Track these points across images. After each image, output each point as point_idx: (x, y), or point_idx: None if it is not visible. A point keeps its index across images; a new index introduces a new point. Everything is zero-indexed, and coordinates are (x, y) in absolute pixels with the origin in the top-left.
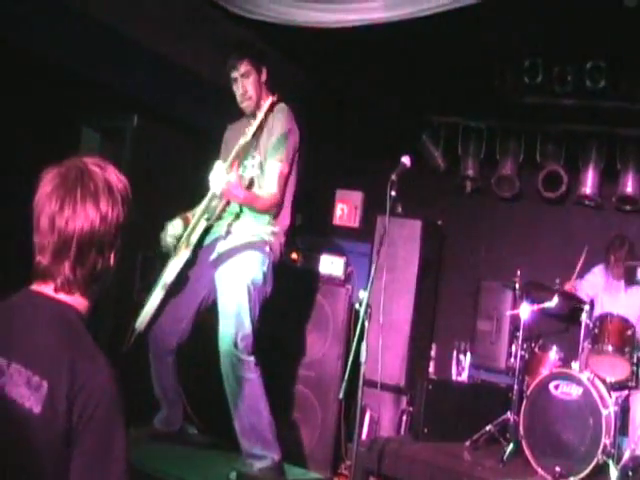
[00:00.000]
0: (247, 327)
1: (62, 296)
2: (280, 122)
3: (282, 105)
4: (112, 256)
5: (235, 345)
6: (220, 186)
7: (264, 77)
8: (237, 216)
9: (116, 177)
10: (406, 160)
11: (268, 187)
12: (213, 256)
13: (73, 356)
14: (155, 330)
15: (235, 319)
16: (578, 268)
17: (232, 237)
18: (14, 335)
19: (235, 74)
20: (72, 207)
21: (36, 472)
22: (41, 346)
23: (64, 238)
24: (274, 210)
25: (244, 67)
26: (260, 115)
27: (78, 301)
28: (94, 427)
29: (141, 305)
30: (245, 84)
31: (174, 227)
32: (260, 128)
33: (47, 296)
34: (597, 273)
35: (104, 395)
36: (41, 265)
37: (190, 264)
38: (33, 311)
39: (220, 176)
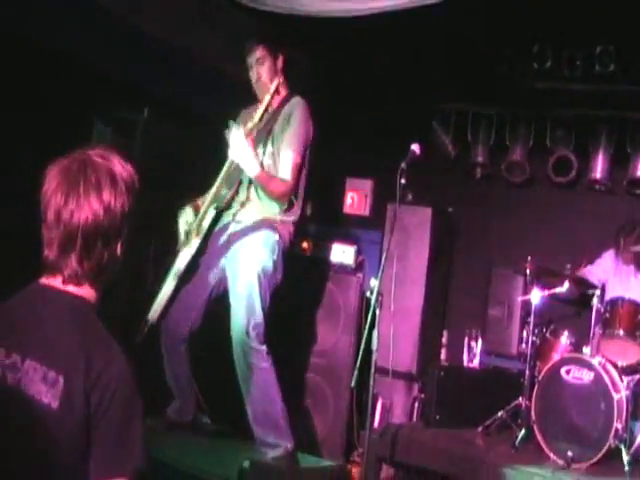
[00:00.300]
0: (258, 315)
1: (71, 288)
2: (296, 115)
3: (298, 98)
4: (119, 246)
5: (247, 334)
6: (239, 154)
7: (280, 64)
8: (244, 204)
9: (120, 166)
10: (415, 148)
11: (282, 175)
12: (222, 243)
13: (87, 347)
14: (167, 319)
15: (246, 308)
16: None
17: (241, 226)
18: (26, 331)
19: (251, 59)
20: (76, 200)
21: (57, 464)
22: (55, 340)
23: (69, 231)
24: (286, 198)
25: (259, 52)
26: (267, 97)
27: (87, 292)
28: (112, 414)
29: (154, 295)
30: (260, 70)
31: (185, 214)
32: (274, 117)
33: (56, 289)
34: (607, 258)
35: (120, 382)
36: (49, 259)
37: (201, 252)
38: (44, 305)
39: (239, 142)
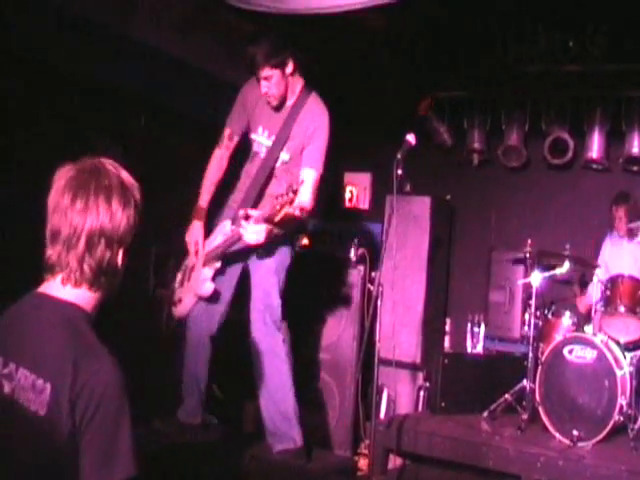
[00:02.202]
0: (277, 303)
1: (68, 289)
2: (321, 132)
3: (316, 98)
4: (120, 253)
5: (265, 320)
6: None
7: (290, 69)
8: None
9: (130, 180)
10: (411, 138)
11: (303, 196)
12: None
13: (76, 356)
14: (195, 314)
15: (265, 295)
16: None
17: None
18: (21, 340)
19: (257, 75)
20: (85, 201)
21: (48, 473)
22: (46, 349)
23: (74, 229)
24: (308, 218)
25: (265, 72)
26: (289, 104)
27: (85, 296)
28: (98, 424)
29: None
30: (269, 86)
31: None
32: (292, 117)
33: (52, 297)
34: (605, 244)
35: (106, 392)
36: (51, 258)
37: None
38: (38, 314)
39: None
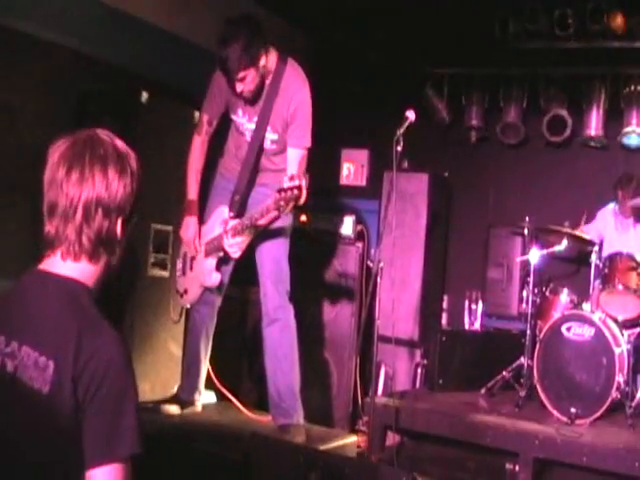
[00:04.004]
0: (285, 274)
1: (69, 264)
2: (303, 108)
3: (293, 67)
4: (119, 223)
5: (277, 291)
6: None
7: (263, 61)
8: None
9: (125, 149)
10: (410, 114)
11: (290, 172)
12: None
13: (78, 332)
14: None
15: (275, 266)
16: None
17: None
18: (23, 317)
19: (231, 75)
20: (80, 171)
21: (53, 450)
22: (47, 326)
23: (71, 200)
24: None
25: (241, 74)
26: (267, 82)
27: (85, 270)
28: (101, 401)
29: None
30: (244, 84)
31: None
32: (272, 94)
33: (53, 274)
34: (606, 214)
35: (109, 368)
36: (50, 233)
37: None
38: (40, 292)
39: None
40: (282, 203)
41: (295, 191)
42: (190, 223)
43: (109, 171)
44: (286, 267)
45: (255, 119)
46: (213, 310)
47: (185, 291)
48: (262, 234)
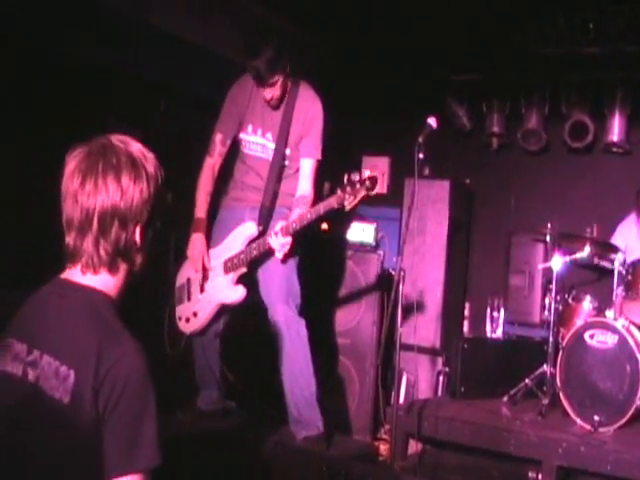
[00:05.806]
0: (296, 288)
1: (89, 277)
2: (317, 122)
3: (307, 88)
4: (138, 231)
5: (288, 305)
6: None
7: (289, 69)
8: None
9: (141, 153)
10: (432, 121)
11: (302, 186)
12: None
13: (100, 342)
14: None
15: (285, 280)
16: None
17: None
18: (44, 326)
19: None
20: (93, 181)
21: (74, 461)
22: (69, 336)
23: (86, 212)
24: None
25: (273, 79)
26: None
27: (106, 280)
28: (122, 411)
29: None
30: (273, 91)
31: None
32: (287, 112)
33: (74, 283)
34: (625, 226)
35: (130, 378)
36: (69, 246)
37: None
38: (61, 301)
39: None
40: (348, 197)
41: (367, 182)
42: (197, 240)
43: (122, 179)
44: (296, 282)
45: (270, 135)
46: (225, 314)
47: (194, 314)
48: (267, 253)
